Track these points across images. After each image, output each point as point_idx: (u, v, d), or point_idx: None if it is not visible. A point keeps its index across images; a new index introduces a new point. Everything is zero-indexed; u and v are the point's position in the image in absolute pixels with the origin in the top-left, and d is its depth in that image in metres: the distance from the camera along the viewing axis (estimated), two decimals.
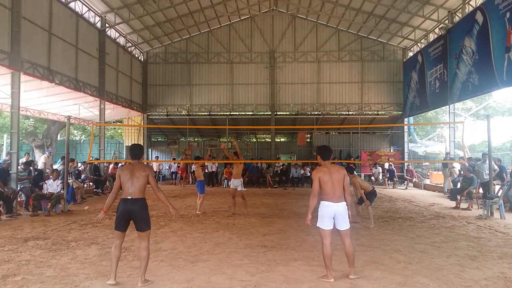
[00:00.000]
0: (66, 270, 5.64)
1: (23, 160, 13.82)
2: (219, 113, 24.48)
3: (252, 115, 24.34)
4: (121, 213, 5.00)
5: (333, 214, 5.27)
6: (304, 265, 5.93)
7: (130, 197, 5.00)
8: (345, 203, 5.34)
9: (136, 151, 5.34)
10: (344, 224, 5.31)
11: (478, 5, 14.87)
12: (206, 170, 22.20)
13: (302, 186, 20.93)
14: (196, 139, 27.62)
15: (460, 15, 16.70)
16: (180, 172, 21.74)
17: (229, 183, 20.55)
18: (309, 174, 21.58)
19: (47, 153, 16.69)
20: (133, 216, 4.99)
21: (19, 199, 11.63)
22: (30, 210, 10.91)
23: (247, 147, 26.36)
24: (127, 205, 4.98)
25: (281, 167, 22.06)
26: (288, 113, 24.64)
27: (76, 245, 7.17)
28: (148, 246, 5.08)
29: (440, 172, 19.47)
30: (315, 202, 5.35)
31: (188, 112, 24.30)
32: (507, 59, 12.57)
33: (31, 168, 12.63)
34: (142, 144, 24.61)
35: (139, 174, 5.03)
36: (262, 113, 24.29)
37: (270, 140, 25.44)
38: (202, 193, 11.62)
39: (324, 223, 5.28)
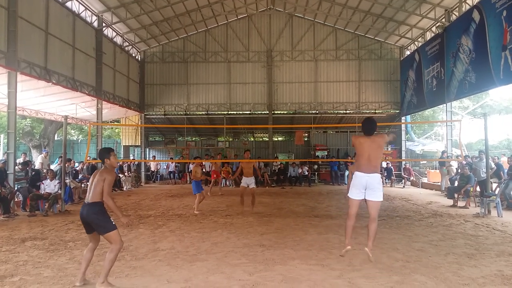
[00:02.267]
0: (64, 270, 5.63)
1: (20, 160, 13.80)
2: (216, 112, 24.45)
3: (249, 114, 24.32)
4: (80, 217, 5.04)
5: (365, 184, 5.33)
6: (302, 264, 5.93)
7: (86, 202, 4.96)
8: (378, 175, 5.37)
9: (99, 155, 5.26)
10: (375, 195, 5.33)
11: (474, 4, 14.89)
12: (204, 170, 22.19)
13: (300, 185, 20.95)
14: (193, 139, 27.60)
15: (457, 14, 16.72)
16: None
17: (226, 183, 20.72)
18: (306, 173, 21.63)
19: (44, 153, 16.65)
20: (88, 220, 4.91)
21: (16, 199, 11.59)
22: (28, 210, 10.89)
23: (244, 146, 26.35)
24: (82, 209, 4.97)
25: (279, 166, 22.10)
26: (285, 112, 24.62)
27: (74, 245, 7.16)
28: (116, 249, 4.86)
29: (438, 171, 19.53)
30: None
31: (185, 111, 24.27)
32: (503, 57, 12.59)
33: (28, 168, 12.59)
34: (139, 143, 24.64)
35: (98, 179, 4.92)
36: (259, 112, 24.27)
37: (267, 139, 25.44)
38: (197, 193, 11.57)
39: (353, 193, 5.43)
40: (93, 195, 4.90)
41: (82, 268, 5.05)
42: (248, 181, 11.27)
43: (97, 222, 4.87)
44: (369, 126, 5.60)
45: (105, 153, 5.11)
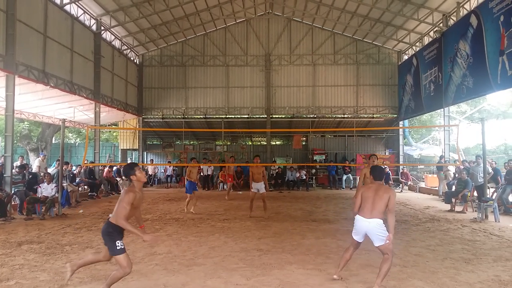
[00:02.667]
0: (60, 274, 5.61)
1: (17, 163, 13.75)
2: (214, 116, 24.45)
3: (247, 118, 24.32)
4: None
5: (365, 230, 5.20)
6: (299, 269, 5.93)
7: (108, 217, 4.86)
8: (377, 219, 5.11)
9: (124, 173, 5.04)
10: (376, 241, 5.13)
11: (472, 9, 14.95)
12: (202, 173, 22.17)
13: (298, 190, 20.93)
14: (191, 142, 27.56)
15: (454, 19, 16.79)
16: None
17: (224, 186, 20.69)
18: (304, 177, 21.62)
19: (41, 156, 16.63)
20: (102, 236, 4.84)
21: (13, 203, 11.55)
22: (24, 213, 10.86)
23: (242, 150, 26.36)
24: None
25: (277, 170, 22.05)
26: (283, 116, 24.63)
27: (71, 249, 7.13)
28: (121, 272, 4.65)
29: (435, 175, 19.56)
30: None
31: (183, 115, 24.25)
32: (501, 62, 12.64)
33: (25, 171, 12.55)
34: (137, 147, 24.61)
35: (120, 198, 4.75)
36: (257, 116, 24.26)
37: (265, 143, 25.43)
38: (188, 193, 12.02)
39: (354, 234, 5.38)
40: (113, 214, 4.73)
41: (85, 260, 5.09)
42: (258, 186, 11.32)
43: (104, 242, 4.76)
44: (378, 173, 5.51)
45: (129, 169, 4.81)
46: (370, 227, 5.11)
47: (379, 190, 5.21)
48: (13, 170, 12.04)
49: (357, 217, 5.27)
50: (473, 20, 14.40)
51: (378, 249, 5.15)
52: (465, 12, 15.75)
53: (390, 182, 21.01)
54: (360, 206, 5.27)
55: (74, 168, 16.41)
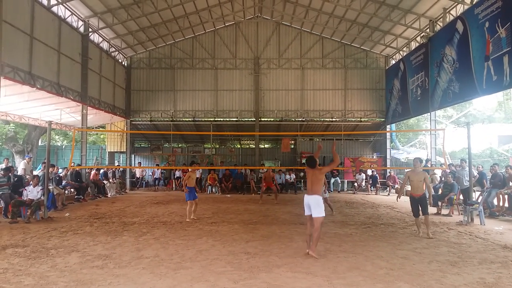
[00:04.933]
0: (45, 278, 5.54)
1: (2, 166, 13.56)
2: (203, 119, 24.41)
3: (236, 121, 24.32)
4: None
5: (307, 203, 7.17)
6: (287, 272, 5.93)
7: None
8: (315, 195, 7.12)
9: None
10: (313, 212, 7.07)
11: (458, 15, 15.17)
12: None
13: (286, 192, 20.98)
14: (180, 145, 27.47)
15: (441, 24, 17.00)
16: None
17: (212, 189, 20.68)
18: (292, 180, 21.68)
19: (27, 158, 16.41)
20: None
21: None
22: (9, 217, 10.70)
23: (231, 153, 26.33)
24: None
25: (274, 175, 22.07)
26: (272, 119, 24.69)
27: (56, 253, 7.05)
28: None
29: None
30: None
31: (172, 117, 24.17)
32: (486, 67, 12.84)
33: (10, 174, 12.39)
34: (125, 150, 24.44)
35: None
36: (246, 119, 24.27)
37: (254, 146, 25.45)
38: (189, 200, 11.35)
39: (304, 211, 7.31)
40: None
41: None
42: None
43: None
44: (311, 162, 7.49)
45: None
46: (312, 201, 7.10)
47: (312, 174, 7.27)
48: None
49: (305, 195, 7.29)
50: (459, 26, 14.61)
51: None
52: (452, 18, 15.96)
53: (377, 185, 21.20)
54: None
55: (60, 170, 16.23)
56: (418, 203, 9.16)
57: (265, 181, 16.78)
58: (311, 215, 7.07)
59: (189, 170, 12.43)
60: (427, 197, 9.14)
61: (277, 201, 16.06)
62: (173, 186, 22.97)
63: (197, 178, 21.27)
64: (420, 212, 9.11)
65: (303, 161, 23.87)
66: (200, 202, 15.67)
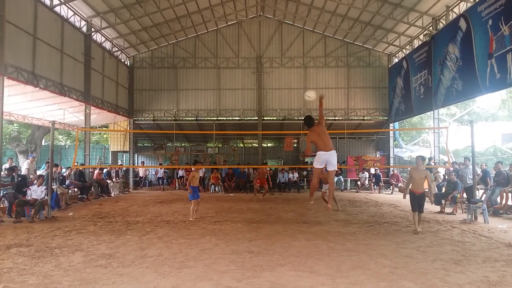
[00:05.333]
0: (49, 277, 5.56)
1: (6, 165, 13.60)
2: (206, 118, 24.42)
3: (239, 120, 24.32)
4: None
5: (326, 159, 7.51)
6: (290, 271, 5.93)
7: None
8: (334, 151, 7.55)
9: None
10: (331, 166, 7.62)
11: (461, 12, 15.12)
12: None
13: (289, 191, 20.98)
14: (183, 144, 27.48)
15: (444, 22, 16.95)
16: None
17: (215, 188, 20.68)
18: (295, 179, 21.67)
19: (30, 158, 16.45)
20: None
21: (1, 205, 11.45)
22: (13, 216, 10.72)
23: (234, 152, 26.33)
24: None
25: (268, 172, 22.05)
26: (275, 118, 24.67)
27: (60, 252, 7.07)
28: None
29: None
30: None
31: (175, 117, 24.19)
32: (489, 65, 12.79)
33: (14, 173, 12.43)
34: (128, 149, 24.48)
35: None
36: (249, 118, 24.28)
37: (257, 145, 25.45)
38: (193, 199, 11.26)
39: (317, 164, 7.60)
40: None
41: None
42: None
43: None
44: (310, 121, 8.04)
45: None
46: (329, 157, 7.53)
47: (321, 131, 7.69)
48: (2, 173, 11.92)
49: (319, 152, 7.54)
50: (462, 24, 14.56)
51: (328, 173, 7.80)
52: (454, 15, 15.91)
53: (380, 183, 21.16)
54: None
55: (64, 170, 16.27)
56: (418, 200, 9.33)
57: (259, 178, 16.96)
58: (323, 169, 7.80)
59: (192, 169, 12.36)
60: (429, 195, 9.60)
61: (262, 199, 16.54)
62: (176, 185, 22.99)
63: (200, 177, 21.43)
64: None
65: (306, 160, 23.90)
66: (203, 201, 15.71)
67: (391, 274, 5.77)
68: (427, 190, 9.55)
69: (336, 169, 7.68)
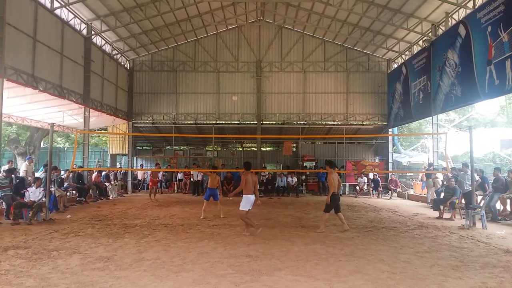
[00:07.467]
0: (46, 280, 5.54)
1: (5, 167, 13.58)
2: (205, 122, 24.43)
3: (238, 124, 24.34)
4: None
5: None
6: (288, 275, 5.92)
7: None
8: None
9: None
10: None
11: (460, 19, 15.18)
12: (192, 179, 22.15)
13: (288, 196, 20.96)
14: (182, 148, 27.49)
15: (443, 28, 17.01)
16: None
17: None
18: (294, 183, 21.65)
19: (28, 160, 16.42)
20: None
21: None
22: (11, 218, 10.70)
23: (232, 156, 26.33)
24: None
25: (267, 176, 22.05)
26: (274, 122, 24.69)
27: (58, 255, 7.05)
28: None
29: (419, 182, 19.80)
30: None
31: (174, 120, 24.20)
32: (488, 71, 12.83)
33: (12, 175, 12.40)
34: (127, 152, 24.45)
35: None
36: (248, 122, 24.29)
37: (256, 149, 25.45)
38: (215, 200, 12.78)
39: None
40: None
41: None
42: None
43: None
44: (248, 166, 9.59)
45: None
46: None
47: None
48: (0, 174, 11.89)
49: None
50: (462, 30, 14.61)
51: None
52: (454, 22, 15.97)
53: (379, 189, 21.15)
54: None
55: (62, 172, 16.24)
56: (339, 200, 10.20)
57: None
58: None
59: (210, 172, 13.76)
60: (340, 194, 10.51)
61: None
62: (175, 188, 22.96)
63: (198, 180, 21.49)
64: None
65: (305, 164, 23.92)
66: (200, 204, 15.69)
67: (389, 279, 5.76)
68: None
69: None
